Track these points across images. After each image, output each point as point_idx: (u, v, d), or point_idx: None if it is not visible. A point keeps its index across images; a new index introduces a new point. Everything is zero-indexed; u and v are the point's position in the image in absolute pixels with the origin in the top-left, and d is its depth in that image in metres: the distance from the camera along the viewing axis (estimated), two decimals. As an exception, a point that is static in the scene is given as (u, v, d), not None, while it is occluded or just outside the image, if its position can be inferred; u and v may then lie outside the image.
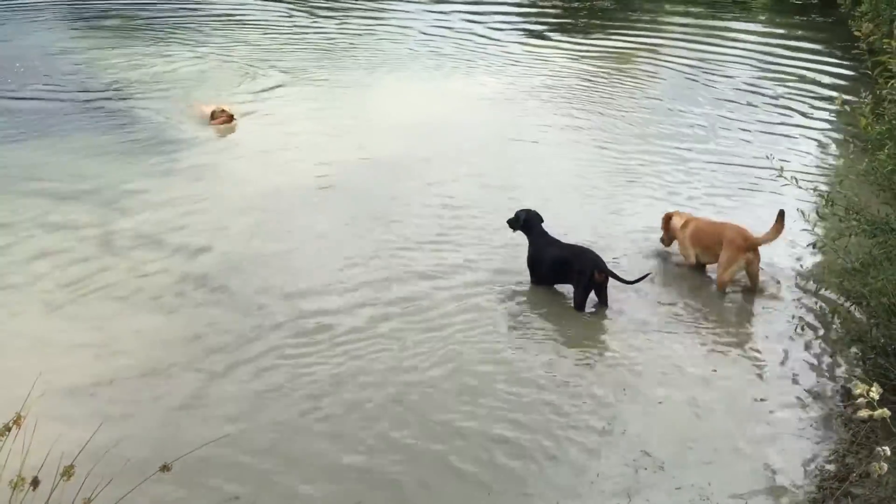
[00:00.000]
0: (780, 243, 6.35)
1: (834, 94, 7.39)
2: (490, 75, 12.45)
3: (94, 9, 16.47)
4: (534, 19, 16.86)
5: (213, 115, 9.79)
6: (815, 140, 9.78)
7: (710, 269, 6.60)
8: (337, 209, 7.68)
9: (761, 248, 6.25)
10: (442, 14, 16.64)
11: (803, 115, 10.70)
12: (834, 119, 10.44)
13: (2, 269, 6.44)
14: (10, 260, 6.60)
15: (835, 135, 9.91)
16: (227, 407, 4.88)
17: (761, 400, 5.04)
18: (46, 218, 7.31)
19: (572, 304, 6.09)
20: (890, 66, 4.78)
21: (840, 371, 5.33)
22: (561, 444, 4.60)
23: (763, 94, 11.56)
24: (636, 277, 6.18)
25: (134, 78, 11.70)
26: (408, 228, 7.27)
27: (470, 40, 14.61)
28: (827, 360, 5.46)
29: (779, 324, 5.91)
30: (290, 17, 16.36)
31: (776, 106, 11.10)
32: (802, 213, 5.54)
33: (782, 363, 5.44)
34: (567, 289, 6.23)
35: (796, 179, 5.19)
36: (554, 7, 18.03)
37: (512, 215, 6.59)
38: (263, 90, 11.32)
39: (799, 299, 6.22)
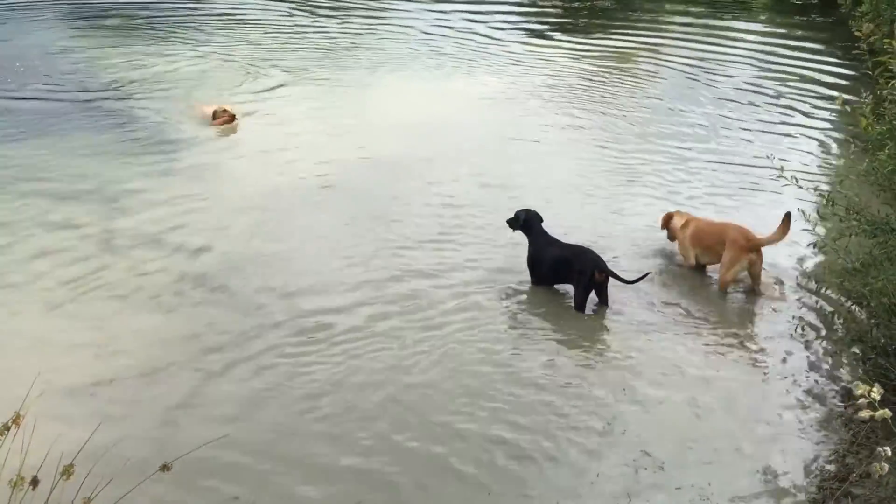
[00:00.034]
0: (780, 243, 6.34)
1: (834, 94, 7.38)
2: (491, 75, 12.44)
3: (95, 8, 16.44)
4: (534, 19, 16.85)
5: (215, 115, 9.77)
6: (816, 140, 9.78)
7: (711, 270, 6.60)
8: (337, 208, 7.68)
9: (764, 249, 6.24)
10: (443, 13, 16.63)
11: (804, 114, 10.69)
12: (835, 119, 10.43)
13: (1, 268, 6.43)
14: (9, 259, 6.59)
15: (835, 135, 9.90)
16: (226, 406, 4.88)
17: (761, 400, 5.04)
18: (46, 217, 7.30)
19: (572, 305, 6.08)
20: (890, 67, 4.77)
21: (840, 371, 5.32)
22: (561, 444, 4.59)
23: (764, 94, 11.56)
24: (636, 277, 6.18)
25: (134, 77, 11.68)
26: (408, 228, 7.27)
27: (471, 40, 14.60)
28: (827, 360, 5.45)
29: (779, 324, 5.90)
30: (291, 16, 16.35)
31: (777, 106, 11.10)
32: (803, 212, 5.54)
33: (782, 363, 5.44)
34: (567, 289, 6.22)
35: (797, 179, 5.19)
36: (554, 7, 18.02)
37: (512, 215, 6.59)
38: (264, 90, 11.30)
39: (799, 299, 6.22)
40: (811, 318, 5.95)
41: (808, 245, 6.07)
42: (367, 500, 4.17)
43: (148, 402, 4.91)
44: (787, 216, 6.07)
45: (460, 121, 10.25)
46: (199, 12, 16.27)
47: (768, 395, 5.10)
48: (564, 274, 6.16)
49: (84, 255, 6.65)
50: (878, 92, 5.01)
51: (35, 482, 2.68)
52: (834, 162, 9.25)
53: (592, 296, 6.07)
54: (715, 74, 12.64)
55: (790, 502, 4.20)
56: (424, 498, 4.23)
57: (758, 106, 11.04)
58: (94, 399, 4.90)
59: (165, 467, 2.88)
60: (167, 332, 5.66)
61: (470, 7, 17.22)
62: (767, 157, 6.24)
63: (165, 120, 10.01)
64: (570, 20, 16.87)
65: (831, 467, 4.44)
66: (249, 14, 16.35)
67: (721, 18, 16.98)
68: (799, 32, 15.60)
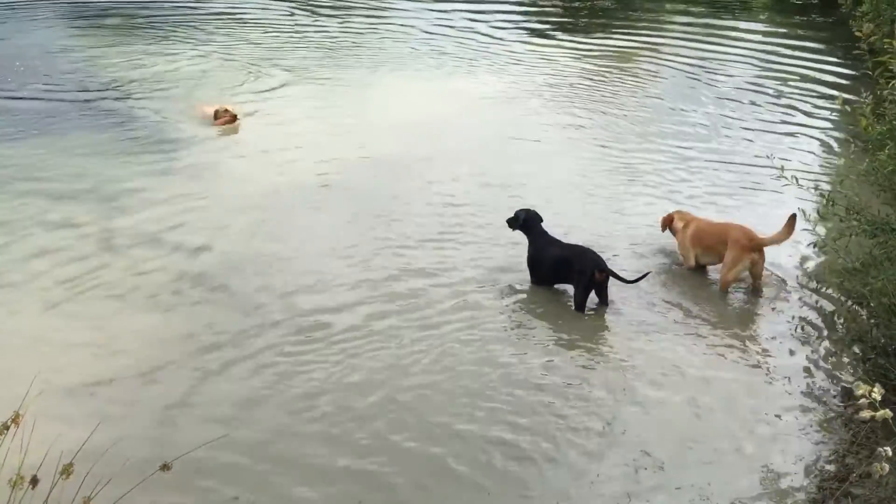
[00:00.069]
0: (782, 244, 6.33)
1: (835, 93, 7.37)
2: (491, 74, 12.44)
3: (95, 7, 16.44)
4: (535, 18, 16.85)
5: (217, 115, 9.75)
6: (817, 140, 9.77)
7: (712, 270, 6.59)
8: (338, 208, 7.67)
9: (765, 249, 6.24)
10: (444, 13, 16.63)
11: (805, 114, 10.69)
12: (835, 119, 10.42)
13: (0, 268, 6.42)
14: (8, 258, 6.58)
15: (836, 134, 9.89)
16: (225, 406, 4.87)
17: (762, 400, 5.03)
18: (45, 216, 7.29)
19: (572, 305, 6.08)
20: (891, 67, 4.77)
21: (841, 371, 5.32)
22: (560, 445, 4.59)
23: (764, 94, 11.56)
24: (636, 277, 6.17)
25: (134, 77, 11.67)
26: (408, 227, 7.26)
27: (472, 39, 14.59)
28: (827, 360, 5.44)
29: (779, 324, 5.90)
30: (292, 15, 16.34)
31: (777, 105, 11.10)
32: (803, 212, 5.53)
33: (783, 363, 5.42)
34: (567, 289, 6.22)
35: (797, 179, 5.19)
36: (555, 6, 18.02)
37: (512, 214, 6.59)
38: (265, 90, 11.29)
39: (800, 299, 6.21)
40: (811, 317, 5.94)
41: (809, 245, 6.07)
42: (365, 501, 4.17)
43: (147, 401, 4.91)
44: (793, 218, 6.04)
45: (461, 120, 10.24)
46: (200, 12, 16.27)
47: (768, 395, 5.09)
48: (564, 274, 6.15)
49: (83, 255, 6.64)
50: (879, 92, 5.01)
51: (35, 481, 2.68)
52: (834, 162, 9.24)
53: (592, 296, 6.07)
54: (716, 74, 12.64)
55: (790, 502, 4.20)
56: (423, 498, 4.22)
57: (758, 105, 11.04)
58: (93, 398, 4.89)
59: (166, 467, 2.88)
60: (166, 331, 5.65)
61: (471, 6, 17.22)
62: (768, 157, 6.24)
63: (165, 119, 10.00)
64: (570, 20, 16.87)
65: (831, 467, 4.43)
66: (250, 13, 16.34)
67: (721, 18, 16.99)
68: (799, 32, 15.60)
